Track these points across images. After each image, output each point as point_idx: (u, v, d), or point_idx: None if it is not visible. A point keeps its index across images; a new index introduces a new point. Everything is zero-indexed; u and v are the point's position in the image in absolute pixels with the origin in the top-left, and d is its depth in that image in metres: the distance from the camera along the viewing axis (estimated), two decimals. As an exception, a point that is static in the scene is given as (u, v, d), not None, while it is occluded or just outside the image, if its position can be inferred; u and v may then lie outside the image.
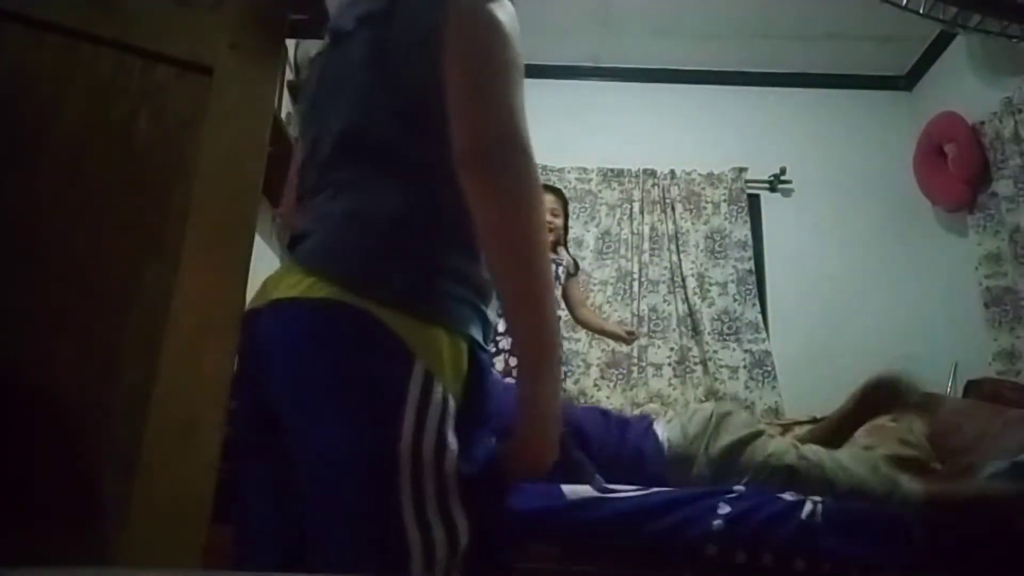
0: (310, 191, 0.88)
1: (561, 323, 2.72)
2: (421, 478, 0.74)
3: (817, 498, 1.36)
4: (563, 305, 2.81)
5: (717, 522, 1.31)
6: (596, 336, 2.98)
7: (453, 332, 0.81)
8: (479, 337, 0.87)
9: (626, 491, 1.42)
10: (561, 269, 2.74)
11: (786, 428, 2.10)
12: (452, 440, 0.77)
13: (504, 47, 0.82)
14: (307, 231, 0.83)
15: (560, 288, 2.72)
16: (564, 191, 3.00)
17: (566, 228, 2.89)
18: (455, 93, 0.81)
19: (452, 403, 0.78)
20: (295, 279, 0.78)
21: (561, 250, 2.85)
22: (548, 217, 2.78)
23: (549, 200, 2.82)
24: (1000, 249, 2.59)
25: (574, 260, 2.87)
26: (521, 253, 0.81)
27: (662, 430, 1.59)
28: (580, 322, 2.87)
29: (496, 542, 0.83)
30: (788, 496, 1.36)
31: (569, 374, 2.93)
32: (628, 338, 2.76)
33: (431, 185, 0.85)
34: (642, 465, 1.53)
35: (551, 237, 2.77)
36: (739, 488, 1.39)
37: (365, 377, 0.76)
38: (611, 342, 2.96)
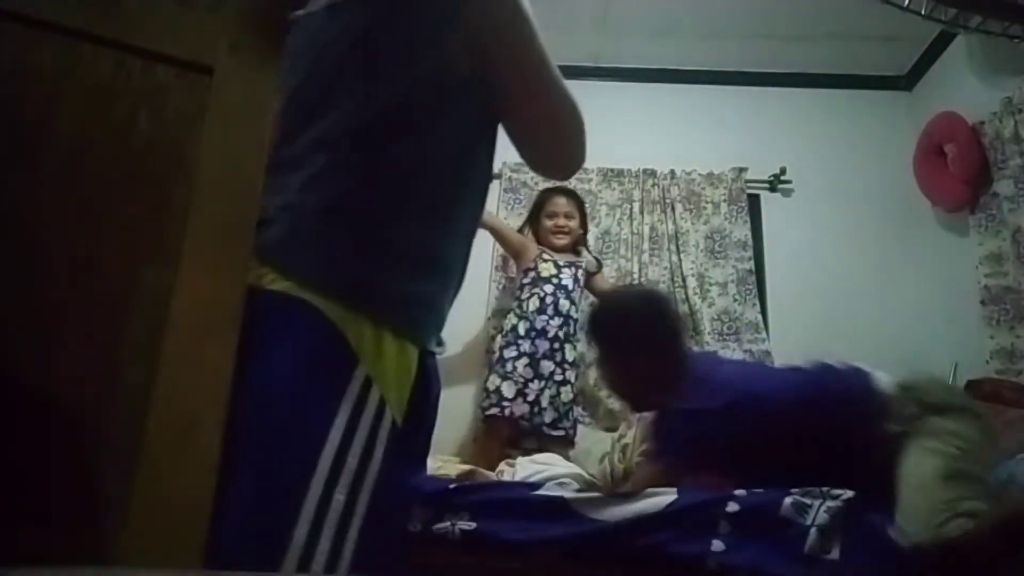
0: (285, 164, 0.85)
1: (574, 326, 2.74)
2: (334, 487, 0.72)
3: (825, 518, 1.27)
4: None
5: (716, 543, 1.28)
6: (596, 336, 2.98)
7: (404, 338, 0.80)
8: (431, 343, 0.86)
9: (628, 496, 1.41)
10: (580, 272, 2.77)
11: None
12: (379, 453, 0.75)
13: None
14: (270, 218, 0.81)
15: (579, 290, 2.76)
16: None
17: (585, 228, 2.93)
18: (508, 71, 0.90)
19: (388, 414, 0.77)
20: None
21: (582, 251, 2.89)
22: (562, 220, 2.82)
23: (562, 203, 2.86)
24: (1002, 249, 2.59)
25: (596, 259, 2.91)
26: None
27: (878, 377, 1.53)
28: None
29: (382, 566, 0.80)
30: (796, 517, 1.29)
31: (576, 378, 2.91)
32: None
33: (415, 171, 0.85)
34: (849, 404, 1.47)
35: (568, 240, 2.81)
36: (740, 493, 1.35)
37: (302, 376, 0.75)
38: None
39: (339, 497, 0.72)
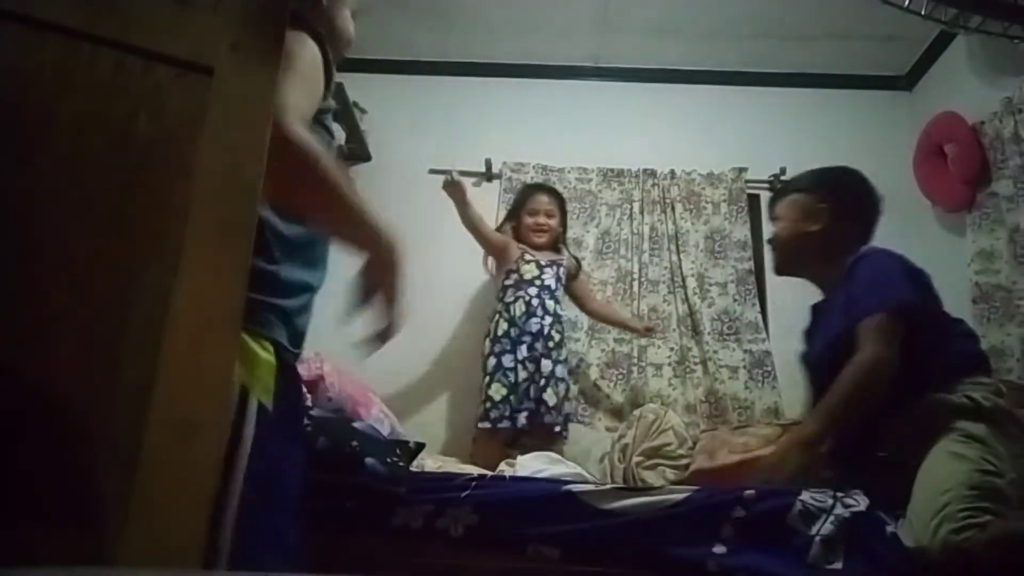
0: None
1: (565, 323, 2.73)
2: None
3: (831, 529, 1.26)
4: (574, 305, 2.87)
5: (719, 546, 1.27)
6: (596, 336, 2.97)
7: (260, 338, 0.95)
8: (283, 339, 1.01)
9: (633, 491, 1.41)
10: (562, 271, 2.75)
11: (786, 428, 2.10)
12: (248, 434, 0.87)
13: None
14: None
15: (561, 288, 2.74)
16: (563, 191, 3.00)
17: (564, 227, 2.89)
18: None
19: (253, 400, 0.89)
20: None
21: (563, 249, 2.86)
22: (542, 219, 2.78)
23: (544, 201, 2.82)
24: (994, 247, 2.58)
25: (576, 260, 2.87)
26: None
27: None
28: (593, 316, 2.89)
29: (270, 553, 0.90)
30: (802, 527, 1.28)
31: (569, 373, 2.92)
32: (646, 333, 2.78)
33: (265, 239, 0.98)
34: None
35: (547, 238, 2.78)
36: (748, 497, 1.34)
37: None
38: (611, 342, 2.96)
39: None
